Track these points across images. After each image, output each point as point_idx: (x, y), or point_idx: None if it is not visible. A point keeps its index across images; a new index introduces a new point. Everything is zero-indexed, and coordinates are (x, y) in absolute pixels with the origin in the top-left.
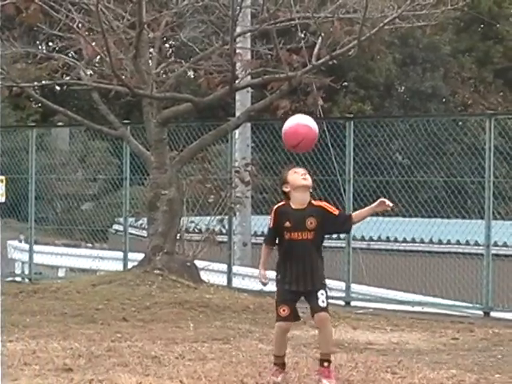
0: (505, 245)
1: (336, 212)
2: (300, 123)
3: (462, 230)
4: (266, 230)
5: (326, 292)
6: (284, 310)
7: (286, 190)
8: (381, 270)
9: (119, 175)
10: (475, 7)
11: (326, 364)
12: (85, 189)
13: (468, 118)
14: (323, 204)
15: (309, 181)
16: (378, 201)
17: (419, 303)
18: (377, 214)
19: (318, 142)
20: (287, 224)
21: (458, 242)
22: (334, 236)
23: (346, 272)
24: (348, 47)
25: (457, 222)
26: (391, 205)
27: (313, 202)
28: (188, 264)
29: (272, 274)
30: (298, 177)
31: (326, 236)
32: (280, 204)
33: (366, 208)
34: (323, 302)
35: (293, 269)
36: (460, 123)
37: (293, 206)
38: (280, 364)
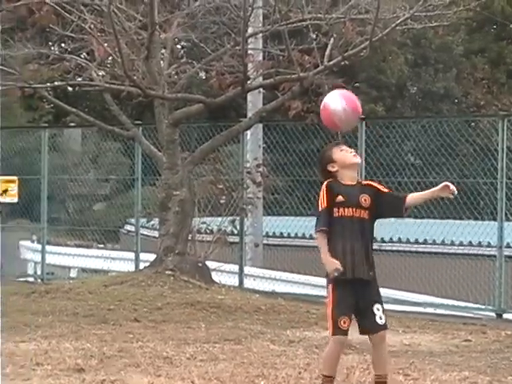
0: None
1: (387, 190)
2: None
3: (474, 232)
4: (277, 231)
5: (382, 304)
6: (345, 322)
7: (333, 169)
8: (392, 271)
9: (131, 176)
10: (488, 8)
11: None
12: (97, 189)
13: (481, 119)
14: (373, 182)
15: (359, 158)
16: (442, 184)
17: (431, 305)
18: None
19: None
20: (340, 198)
21: (471, 244)
22: None
23: None
24: (360, 48)
25: (469, 224)
26: (455, 191)
27: (360, 180)
28: (200, 265)
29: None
30: (348, 154)
31: None
32: (329, 180)
33: (427, 191)
34: (381, 318)
35: (347, 252)
36: (473, 124)
37: (343, 182)
38: None
